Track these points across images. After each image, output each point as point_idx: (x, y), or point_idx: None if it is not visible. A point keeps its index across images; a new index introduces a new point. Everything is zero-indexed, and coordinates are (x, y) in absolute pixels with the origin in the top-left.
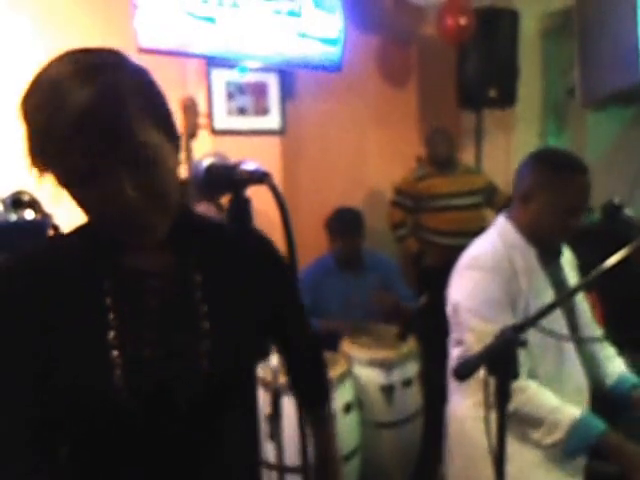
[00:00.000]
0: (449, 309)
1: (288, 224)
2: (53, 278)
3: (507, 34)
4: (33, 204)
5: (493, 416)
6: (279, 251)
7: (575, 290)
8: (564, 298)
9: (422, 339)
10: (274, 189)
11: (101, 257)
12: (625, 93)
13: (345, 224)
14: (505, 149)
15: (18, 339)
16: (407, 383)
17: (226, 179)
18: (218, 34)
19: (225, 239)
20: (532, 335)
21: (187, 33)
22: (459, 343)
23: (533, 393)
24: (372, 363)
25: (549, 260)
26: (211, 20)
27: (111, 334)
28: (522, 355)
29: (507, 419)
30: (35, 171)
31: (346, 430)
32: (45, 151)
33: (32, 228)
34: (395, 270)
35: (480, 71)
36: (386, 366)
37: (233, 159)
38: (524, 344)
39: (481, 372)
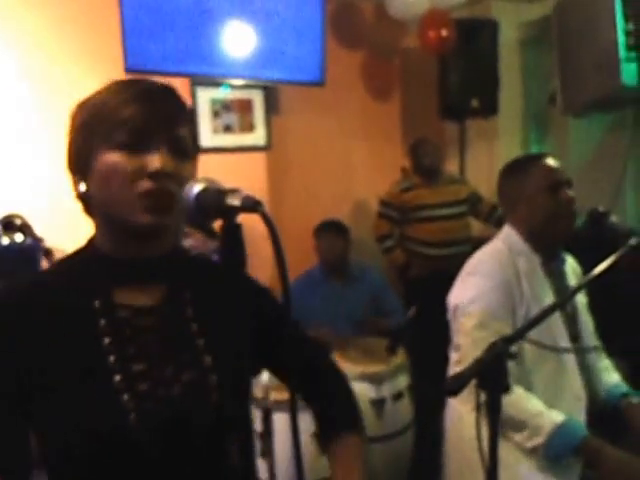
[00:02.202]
0: (449, 314)
1: (281, 254)
2: (44, 314)
3: (487, 44)
4: (24, 228)
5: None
6: (256, 280)
7: (566, 299)
8: (552, 309)
9: (411, 351)
10: (266, 218)
11: (94, 294)
12: (606, 100)
13: (326, 225)
14: (488, 158)
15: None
16: (397, 396)
17: (217, 206)
18: (202, 53)
19: (209, 272)
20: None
21: (173, 53)
22: (456, 349)
23: (518, 397)
24: (362, 377)
25: (553, 268)
26: (195, 40)
27: (117, 377)
28: (510, 364)
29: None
30: (79, 167)
31: None
32: (103, 121)
33: (23, 252)
34: (384, 283)
35: (462, 82)
36: (376, 380)
37: (221, 181)
38: (514, 356)
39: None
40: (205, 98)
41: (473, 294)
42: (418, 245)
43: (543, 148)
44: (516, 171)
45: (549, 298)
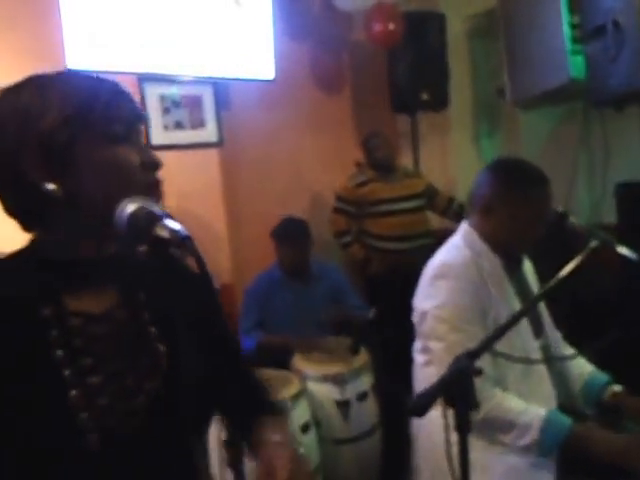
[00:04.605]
0: (415, 317)
1: (211, 284)
2: None
3: (435, 37)
4: None
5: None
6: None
7: (535, 300)
8: (517, 317)
9: (374, 351)
10: (195, 254)
11: (42, 301)
12: (554, 92)
13: (291, 233)
14: (441, 151)
15: None
16: (362, 397)
17: (146, 233)
18: (148, 51)
19: (157, 270)
20: (499, 344)
21: (116, 51)
22: (425, 351)
23: (500, 399)
24: (326, 379)
25: (513, 269)
26: (141, 37)
27: (72, 393)
28: (488, 365)
29: (475, 429)
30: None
31: (305, 450)
32: (97, 116)
33: None
34: (344, 280)
35: (411, 75)
36: (340, 381)
37: (176, 178)
38: (479, 372)
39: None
40: (154, 94)
41: (443, 298)
42: (377, 240)
43: (494, 141)
44: (509, 185)
45: (513, 298)
